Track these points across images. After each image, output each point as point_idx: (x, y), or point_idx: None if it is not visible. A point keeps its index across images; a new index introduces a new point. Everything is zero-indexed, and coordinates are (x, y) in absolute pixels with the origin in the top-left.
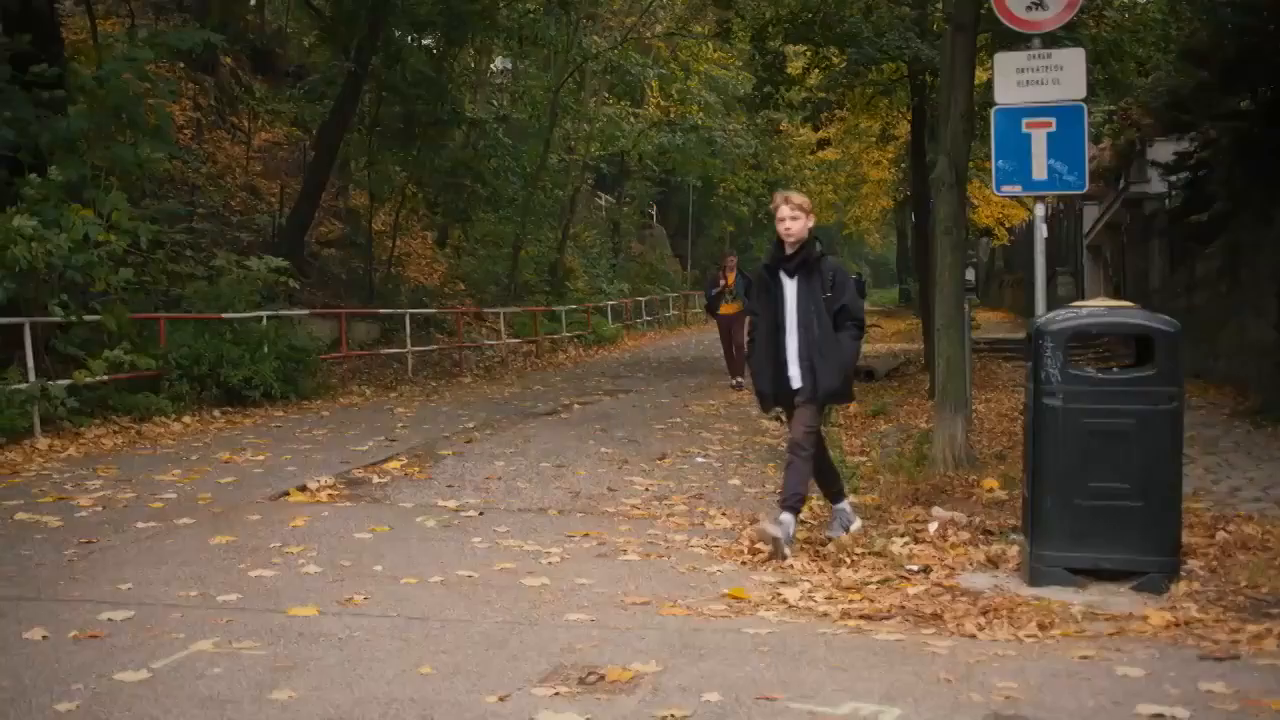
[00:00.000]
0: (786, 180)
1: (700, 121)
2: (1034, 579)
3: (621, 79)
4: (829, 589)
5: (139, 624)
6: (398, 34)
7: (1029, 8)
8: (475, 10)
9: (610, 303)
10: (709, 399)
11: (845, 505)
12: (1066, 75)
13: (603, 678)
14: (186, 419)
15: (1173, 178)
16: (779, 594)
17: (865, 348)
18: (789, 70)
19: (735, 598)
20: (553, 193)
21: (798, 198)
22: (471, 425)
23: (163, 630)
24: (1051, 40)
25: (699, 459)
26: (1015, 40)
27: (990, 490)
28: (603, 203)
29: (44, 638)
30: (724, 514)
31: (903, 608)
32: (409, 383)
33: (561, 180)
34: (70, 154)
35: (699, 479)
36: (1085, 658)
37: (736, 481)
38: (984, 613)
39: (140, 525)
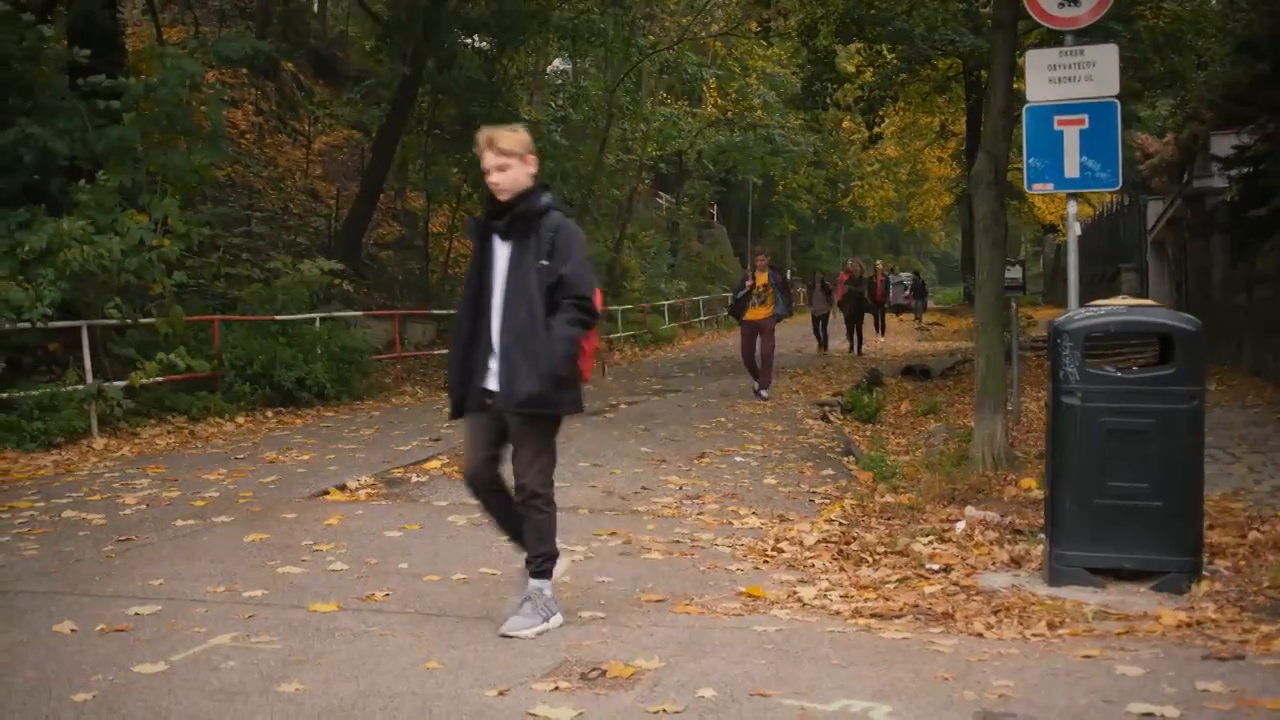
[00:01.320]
0: (846, 177)
1: (758, 120)
2: (1053, 579)
3: (679, 78)
4: (846, 587)
5: (164, 618)
6: (456, 36)
7: (1061, 4)
8: (529, 11)
9: (667, 302)
10: (757, 399)
11: (546, 587)
12: (1099, 72)
13: (604, 673)
14: (240, 419)
15: (1232, 172)
16: (795, 592)
17: (924, 346)
18: (840, 68)
19: (751, 596)
20: (609, 193)
21: (506, 139)
22: None
23: (186, 625)
24: (1084, 36)
25: (738, 459)
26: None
27: (1028, 490)
28: (663, 202)
29: (72, 630)
30: (754, 513)
31: (916, 606)
32: None
33: (619, 180)
34: (124, 161)
35: (734, 479)
36: (1088, 657)
37: (772, 481)
38: (995, 612)
39: (179, 523)
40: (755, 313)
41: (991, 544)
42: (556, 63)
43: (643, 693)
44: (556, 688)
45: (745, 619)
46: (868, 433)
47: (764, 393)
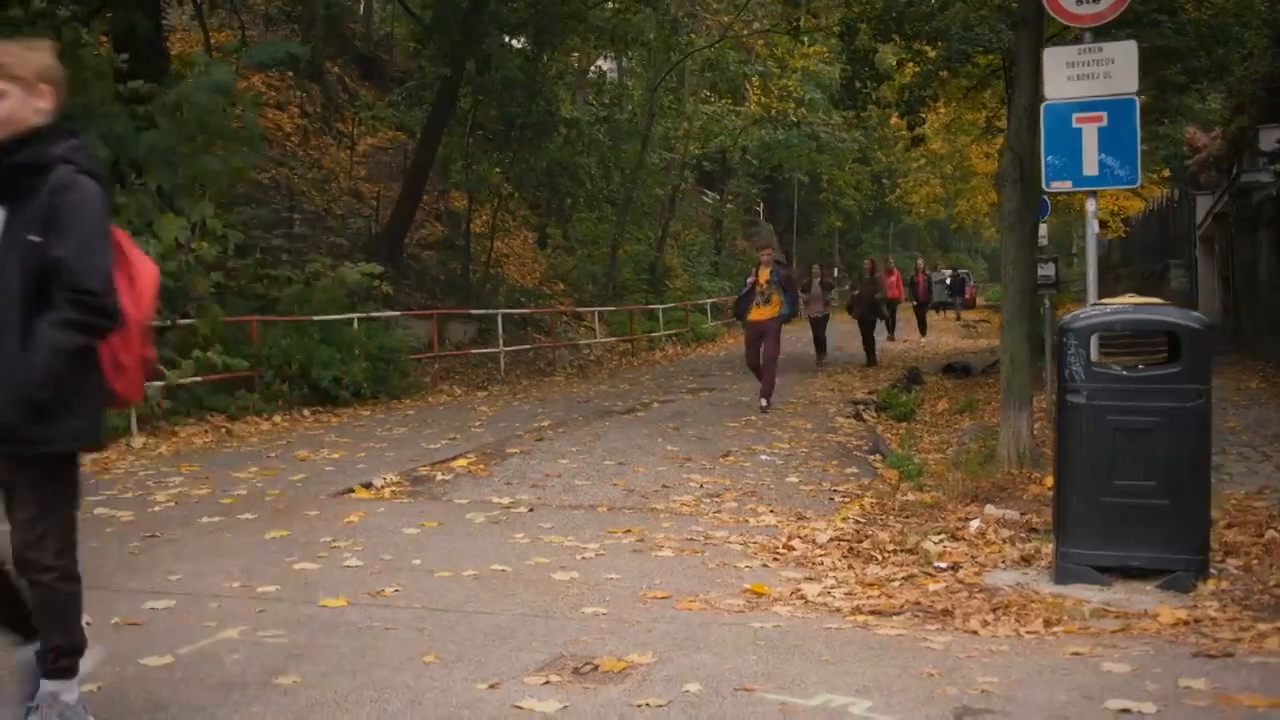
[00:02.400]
0: (890, 174)
1: (801, 117)
2: (1060, 577)
3: (722, 76)
4: (851, 585)
5: (178, 612)
6: (494, 37)
7: (1080, 1)
8: (566, 12)
9: (710, 300)
10: (790, 397)
11: (67, 691)
12: (1118, 69)
13: (596, 668)
14: (277, 418)
15: (1276, 166)
16: (799, 590)
17: (966, 343)
18: (881, 66)
19: (755, 593)
20: (652, 191)
21: (8, 55)
22: (546, 423)
23: (198, 619)
24: (1104, 33)
25: (763, 457)
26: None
27: (1050, 488)
28: (710, 200)
29: (87, 624)
30: (771, 511)
31: (917, 604)
32: (500, 382)
33: (661, 179)
34: (161, 165)
35: (757, 476)
36: (1077, 654)
37: (794, 479)
38: (994, 610)
39: (205, 520)
40: (759, 313)
41: (1004, 542)
42: (601, 62)
43: (630, 687)
44: (548, 681)
45: (745, 615)
46: (901, 431)
47: (762, 401)
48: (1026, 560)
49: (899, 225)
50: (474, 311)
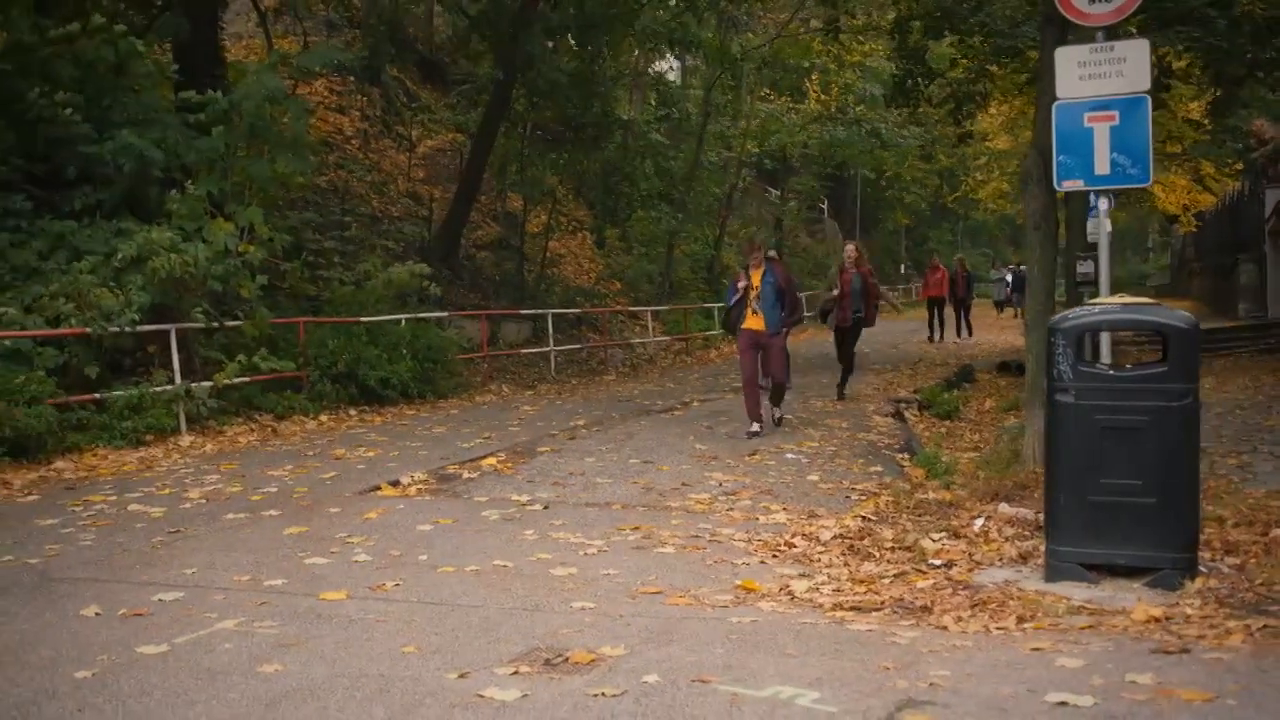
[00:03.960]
0: (958, 170)
1: (861, 114)
2: (1050, 575)
3: (783, 74)
4: (842, 582)
5: (183, 604)
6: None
7: (1092, 1)
8: (612, 15)
9: None
10: (831, 395)
11: None
12: (1130, 67)
13: (567, 660)
14: (323, 417)
15: None
16: (788, 586)
17: (1019, 340)
18: (933, 64)
19: (746, 588)
20: (709, 190)
21: None
22: (581, 422)
23: (200, 611)
24: (1116, 32)
25: (789, 455)
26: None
27: None
28: (773, 197)
29: (95, 614)
30: (784, 509)
31: (900, 600)
32: (549, 381)
33: (719, 178)
34: (212, 171)
35: (778, 475)
36: (1037, 649)
37: (815, 477)
38: (974, 606)
39: (230, 516)
40: (754, 321)
41: (1005, 540)
42: (662, 63)
43: (594, 678)
44: (516, 672)
45: (727, 610)
46: (943, 430)
47: (776, 412)
48: (1024, 558)
49: (968, 222)
50: (524, 311)
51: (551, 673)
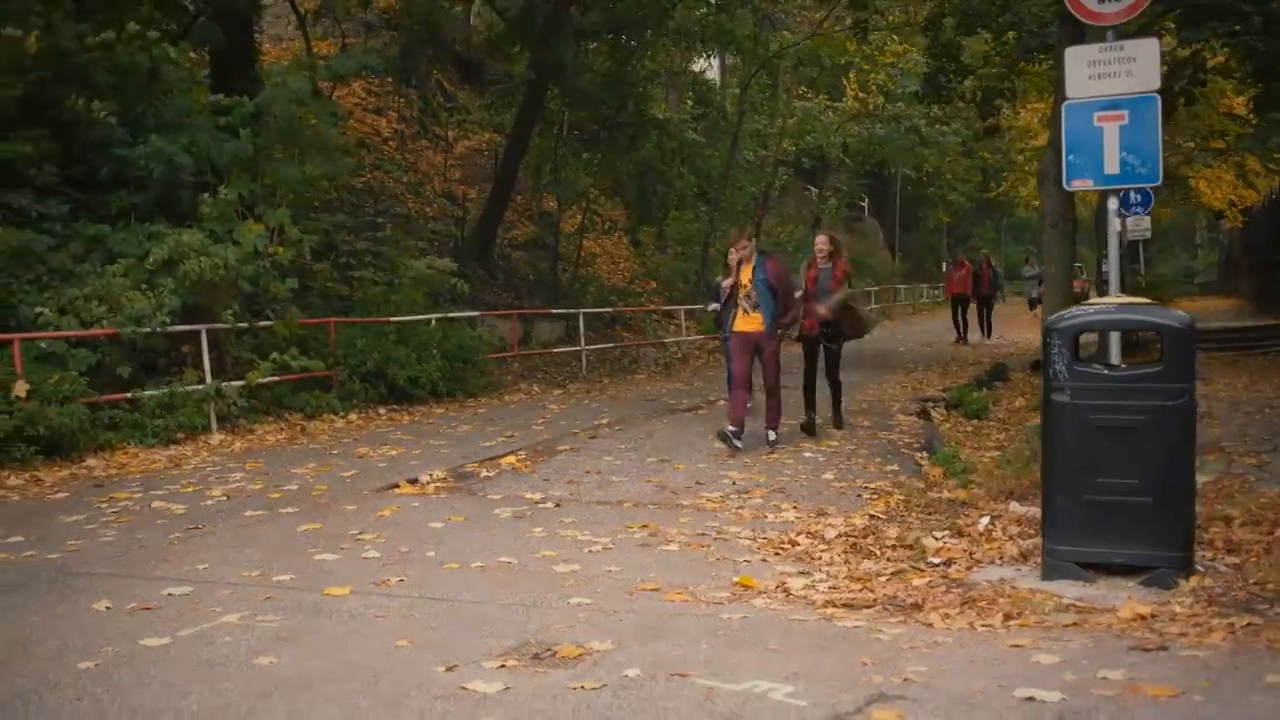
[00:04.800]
0: (999, 168)
1: (899, 111)
2: (1046, 573)
3: (820, 72)
4: (839, 579)
5: (191, 599)
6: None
7: (1102, 0)
8: (641, 16)
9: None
10: (860, 395)
11: None
12: (1139, 66)
13: (555, 654)
14: (352, 416)
15: None
16: (784, 583)
17: None
18: (965, 60)
19: (743, 586)
20: (745, 189)
21: None
22: (605, 421)
23: (207, 605)
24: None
25: (806, 454)
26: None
27: None
28: (813, 196)
29: (106, 608)
30: (794, 508)
31: (892, 598)
32: (580, 380)
33: (755, 177)
34: (243, 173)
35: (793, 474)
36: (1017, 646)
37: (829, 476)
38: (963, 604)
39: (248, 513)
40: (747, 322)
41: (1007, 539)
42: (701, 61)
43: (577, 671)
44: (503, 665)
45: (721, 607)
46: (970, 429)
47: (771, 434)
48: (1024, 557)
49: (1012, 219)
50: (555, 311)
51: (537, 666)
